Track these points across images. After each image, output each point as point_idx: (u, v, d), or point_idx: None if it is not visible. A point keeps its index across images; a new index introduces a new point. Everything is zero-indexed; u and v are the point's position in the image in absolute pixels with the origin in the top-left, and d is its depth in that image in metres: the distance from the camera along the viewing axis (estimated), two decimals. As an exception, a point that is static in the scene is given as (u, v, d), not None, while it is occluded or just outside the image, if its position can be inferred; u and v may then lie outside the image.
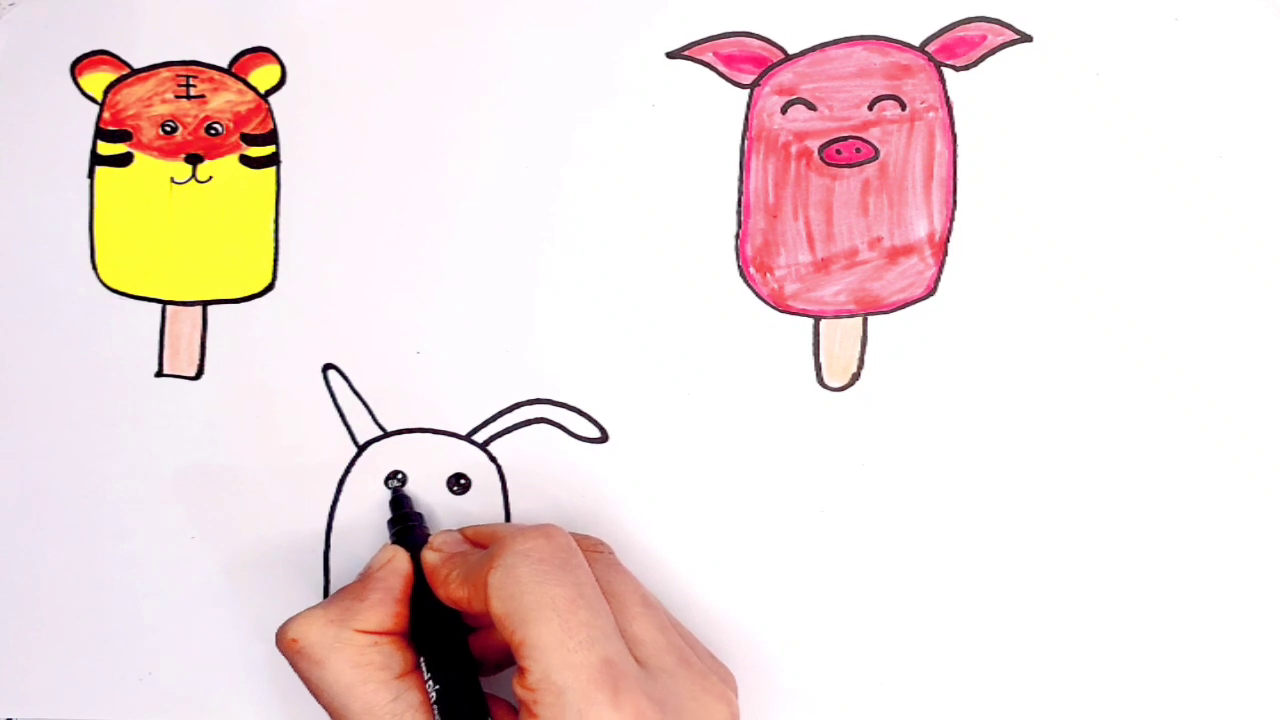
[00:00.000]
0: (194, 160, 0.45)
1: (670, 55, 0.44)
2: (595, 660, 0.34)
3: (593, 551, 0.40)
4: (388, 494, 0.44)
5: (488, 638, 0.40)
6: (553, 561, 0.36)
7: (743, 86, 0.44)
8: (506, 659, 0.40)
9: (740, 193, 0.44)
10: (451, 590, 0.38)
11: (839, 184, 0.43)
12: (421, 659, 0.38)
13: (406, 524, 0.42)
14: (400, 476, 0.44)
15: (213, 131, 0.45)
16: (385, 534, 0.43)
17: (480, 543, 0.40)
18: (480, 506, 0.44)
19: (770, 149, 0.44)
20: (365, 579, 0.40)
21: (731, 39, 0.44)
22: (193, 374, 0.45)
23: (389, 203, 0.45)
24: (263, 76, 0.45)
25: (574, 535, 0.39)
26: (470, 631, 0.40)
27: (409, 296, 0.44)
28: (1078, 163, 0.42)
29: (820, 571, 0.43)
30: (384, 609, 0.38)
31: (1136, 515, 0.42)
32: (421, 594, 0.39)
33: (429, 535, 0.41)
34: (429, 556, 0.39)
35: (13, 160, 0.46)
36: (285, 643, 0.38)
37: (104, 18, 0.46)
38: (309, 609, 0.38)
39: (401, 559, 0.40)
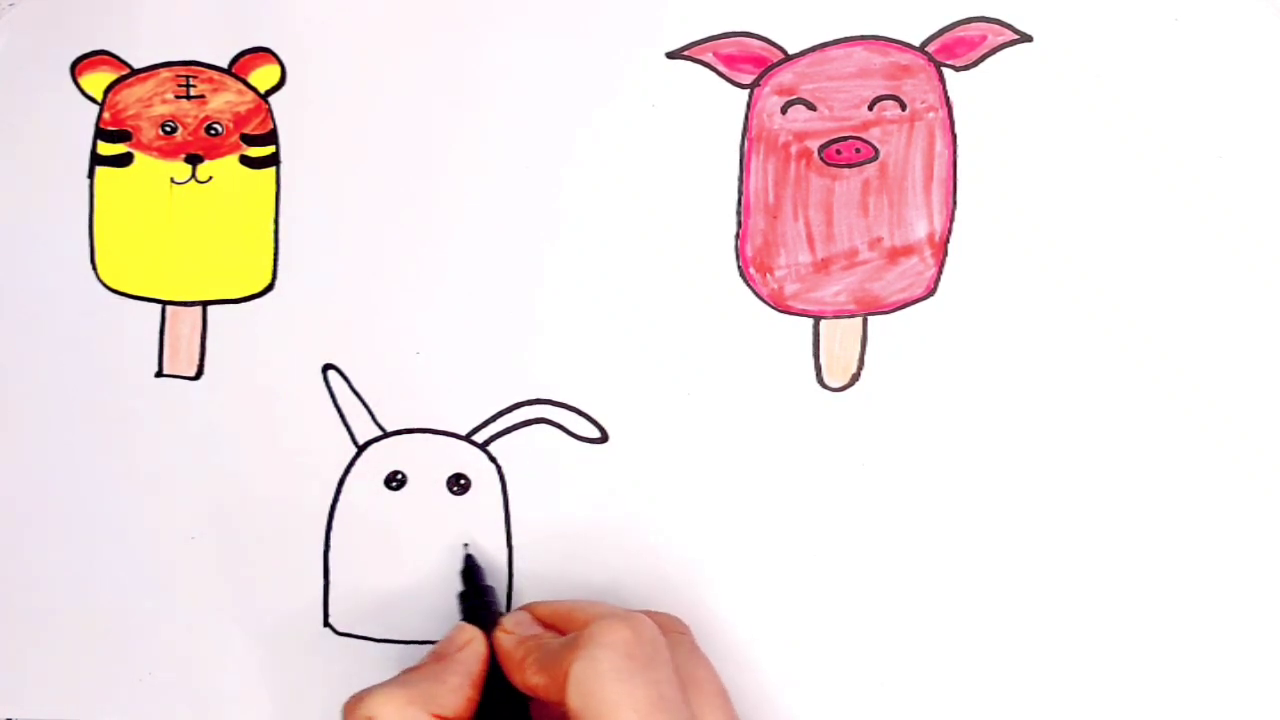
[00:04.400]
0: (194, 160, 0.45)
1: (670, 55, 0.44)
2: None
3: (673, 633, 0.38)
4: (389, 494, 0.44)
5: (548, 711, 0.38)
6: (639, 659, 0.35)
7: (743, 86, 0.44)
8: None
9: (740, 193, 0.44)
10: (528, 677, 0.37)
11: (839, 184, 0.43)
12: None
13: (482, 599, 0.41)
14: (400, 477, 0.44)
15: (213, 132, 0.45)
16: (386, 537, 0.43)
17: (552, 623, 0.39)
18: (480, 507, 0.44)
19: (770, 149, 0.44)
20: (443, 660, 0.38)
21: (731, 39, 0.44)
22: (193, 374, 0.45)
23: (389, 202, 0.45)
24: (263, 76, 0.45)
25: (652, 614, 0.38)
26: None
27: (409, 296, 0.44)
28: (1078, 163, 0.42)
29: (820, 571, 0.43)
30: (462, 694, 0.37)
31: (1136, 515, 0.42)
32: (493, 677, 0.38)
33: (500, 612, 0.40)
34: (503, 640, 0.38)
35: (13, 160, 0.46)
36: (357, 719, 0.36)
37: (104, 18, 0.46)
38: (384, 685, 0.36)
39: (480, 643, 0.38)
